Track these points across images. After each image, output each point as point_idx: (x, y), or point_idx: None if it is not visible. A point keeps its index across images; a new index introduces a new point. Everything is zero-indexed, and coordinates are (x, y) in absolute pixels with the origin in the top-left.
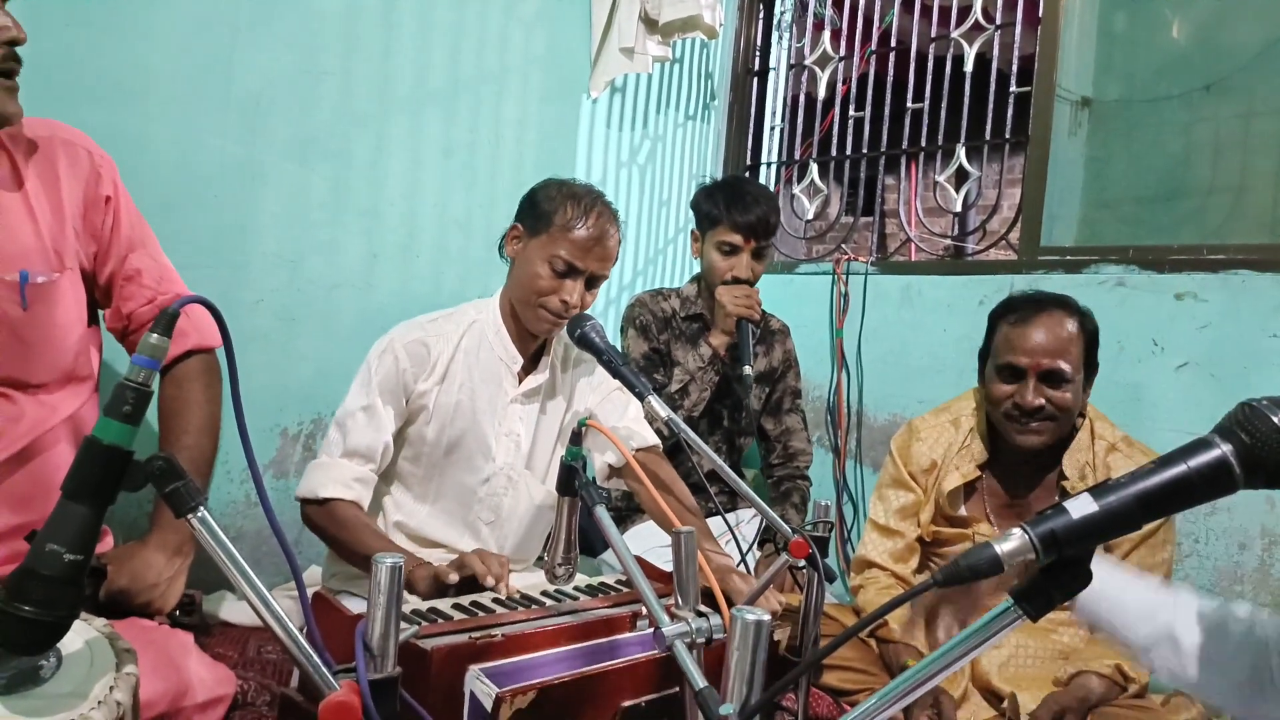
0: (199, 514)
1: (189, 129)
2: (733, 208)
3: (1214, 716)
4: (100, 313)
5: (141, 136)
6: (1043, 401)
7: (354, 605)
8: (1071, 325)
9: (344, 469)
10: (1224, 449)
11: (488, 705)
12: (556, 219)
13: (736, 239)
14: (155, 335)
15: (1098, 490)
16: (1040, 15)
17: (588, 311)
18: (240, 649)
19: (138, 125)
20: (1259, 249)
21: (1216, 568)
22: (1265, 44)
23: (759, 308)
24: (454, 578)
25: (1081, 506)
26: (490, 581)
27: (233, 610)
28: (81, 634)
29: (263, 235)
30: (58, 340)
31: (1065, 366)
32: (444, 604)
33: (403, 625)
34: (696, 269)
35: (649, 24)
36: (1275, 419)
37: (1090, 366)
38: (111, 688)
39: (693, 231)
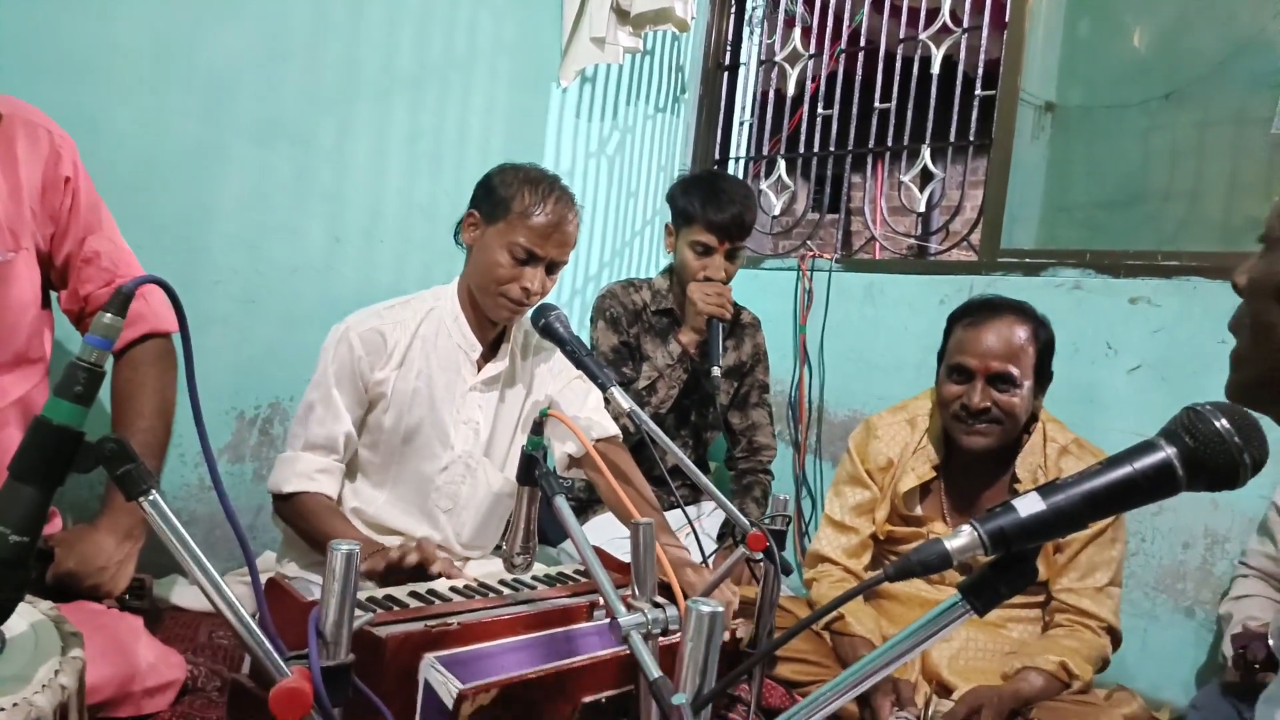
0: (150, 497)
1: (151, 109)
2: (708, 207)
3: (1154, 711)
4: (54, 295)
5: (103, 116)
6: (989, 404)
7: (309, 592)
8: (1024, 331)
9: (306, 462)
10: (1168, 452)
11: (448, 701)
12: (515, 206)
13: (711, 240)
14: (109, 315)
15: (1046, 489)
16: (1007, 19)
17: (550, 300)
18: (191, 634)
19: (99, 104)
20: (1211, 256)
21: (1161, 565)
22: (1223, 55)
23: (730, 306)
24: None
25: (1030, 505)
26: (414, 559)
27: (184, 595)
28: (26, 617)
29: (224, 217)
30: (10, 321)
31: (1014, 371)
32: (400, 592)
33: (358, 612)
34: (665, 261)
35: (620, 15)
36: (1217, 423)
37: (1043, 374)
38: (56, 671)
39: (667, 225)
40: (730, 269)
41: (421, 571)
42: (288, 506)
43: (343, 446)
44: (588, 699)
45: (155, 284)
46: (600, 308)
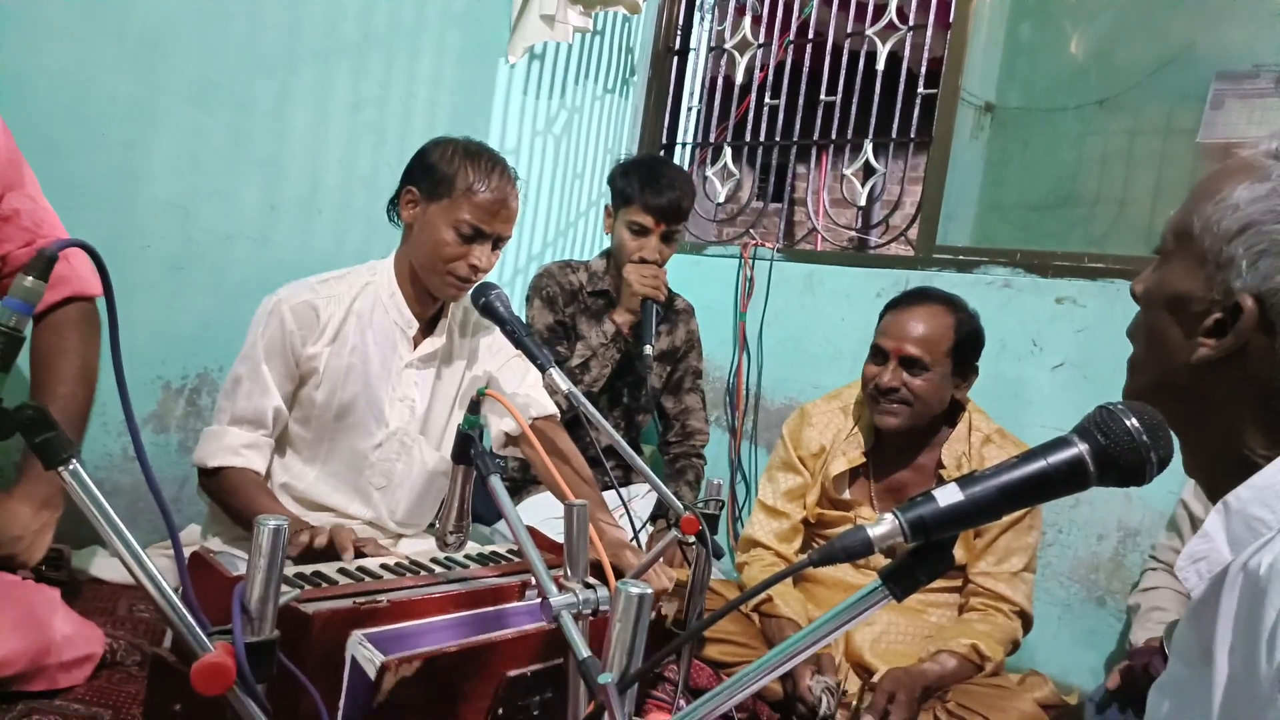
0: (70, 467)
1: (80, 64)
2: (646, 189)
3: (1064, 695)
4: None
5: (28, 69)
6: (898, 385)
7: (234, 567)
8: (945, 320)
9: (232, 436)
10: (1081, 448)
11: (371, 673)
12: (458, 182)
13: (647, 220)
14: (30, 278)
15: (964, 481)
16: (951, 20)
17: (491, 279)
18: (111, 607)
19: (24, 57)
20: (1136, 260)
21: (1076, 557)
22: (1154, 66)
23: (665, 289)
24: (302, 540)
25: (949, 495)
26: (348, 557)
27: (104, 567)
28: None
29: (153, 181)
30: None
31: (923, 355)
32: (330, 569)
33: (285, 588)
34: (608, 243)
35: None
36: (1128, 422)
37: (962, 364)
38: None
39: (606, 207)
40: (666, 251)
41: (335, 554)
42: (213, 481)
43: (271, 421)
44: (512, 673)
45: (80, 247)
46: (537, 286)
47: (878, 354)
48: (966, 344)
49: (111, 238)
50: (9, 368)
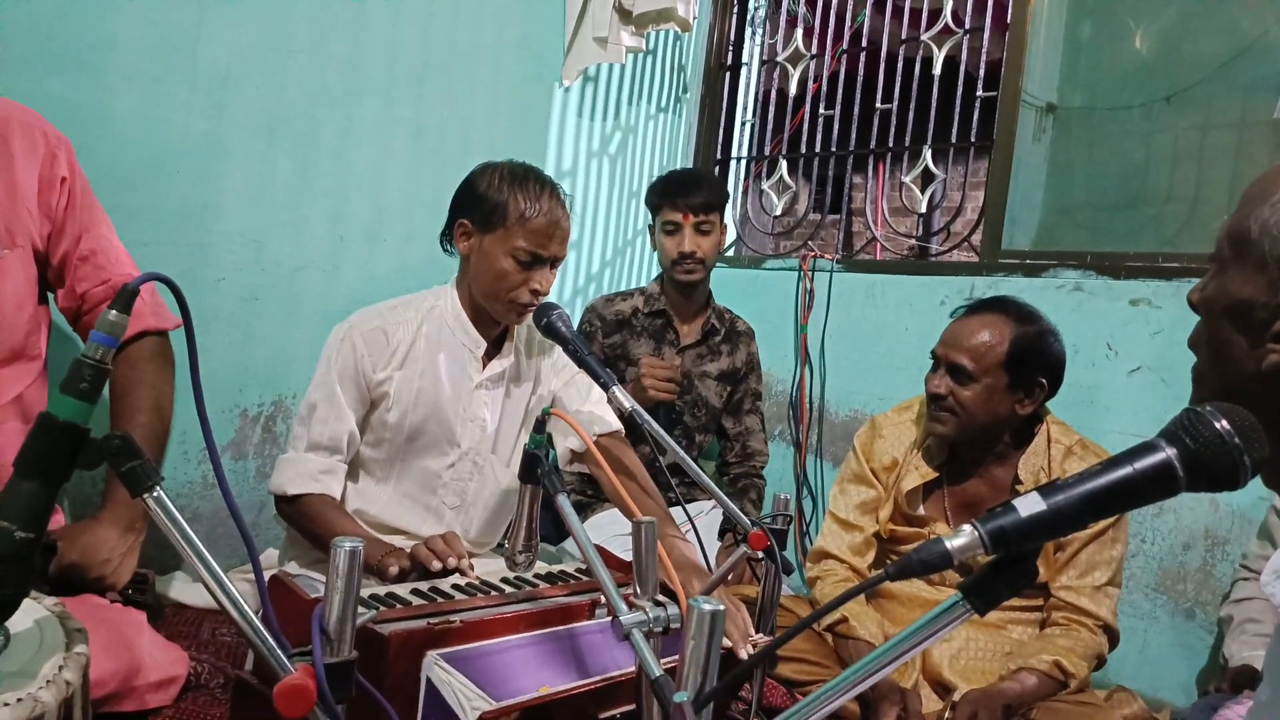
0: (155, 494)
1: (153, 104)
2: (669, 188)
3: (1154, 712)
4: (50, 294)
5: (104, 110)
6: (945, 392)
7: (312, 589)
8: (1002, 331)
9: (309, 463)
10: (1169, 452)
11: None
12: (510, 210)
13: (676, 216)
14: (114, 312)
15: (1046, 489)
16: (1009, 21)
17: (552, 299)
18: (194, 631)
19: (100, 99)
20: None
21: (1162, 567)
22: (1223, 58)
23: (677, 390)
24: (393, 572)
25: (1030, 505)
26: (436, 566)
27: (186, 592)
28: (31, 613)
29: (226, 214)
30: (7, 318)
31: (970, 365)
32: (403, 589)
33: (361, 610)
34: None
35: (623, 14)
36: (1218, 424)
37: (1020, 375)
38: (61, 667)
39: (649, 226)
40: (702, 243)
41: (423, 570)
42: (292, 508)
43: (346, 446)
44: (604, 715)
45: (161, 281)
46: (579, 322)
47: (933, 359)
48: (1025, 357)
49: (187, 270)
50: (96, 399)
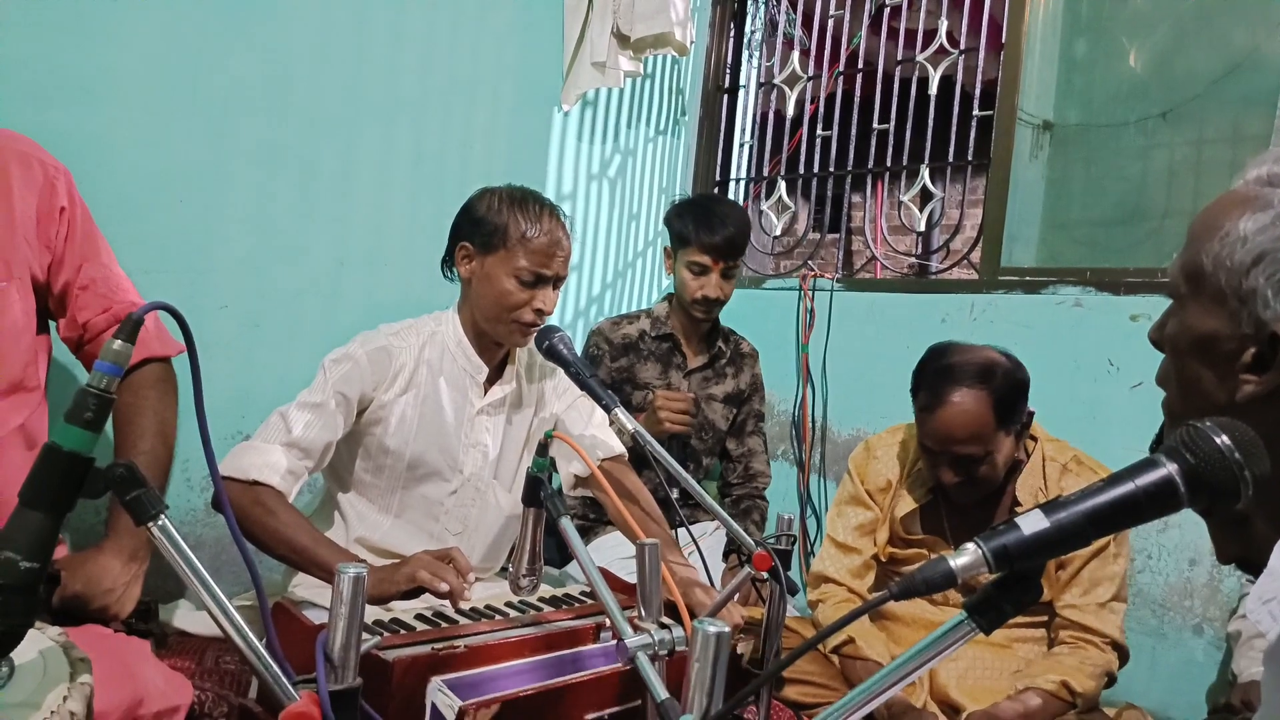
0: (159, 522)
1: (154, 132)
2: (702, 229)
3: None
4: (51, 323)
5: (105, 139)
6: (960, 479)
7: (315, 616)
8: (978, 402)
9: (279, 455)
10: (1170, 468)
11: (450, 717)
12: (511, 231)
13: (705, 260)
14: (119, 341)
15: (1049, 507)
16: (1004, 40)
17: (553, 322)
18: (198, 659)
19: (102, 128)
20: None
21: (1168, 583)
22: (1218, 74)
23: (692, 423)
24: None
25: (1033, 522)
26: (443, 589)
27: (189, 620)
28: (35, 643)
29: (228, 241)
30: (5, 349)
31: (974, 450)
32: (407, 614)
33: (365, 636)
34: (666, 282)
35: (621, 39)
36: (1218, 440)
37: (1011, 419)
38: (65, 698)
39: (665, 248)
40: (726, 288)
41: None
42: (248, 493)
43: (319, 457)
44: (590, 716)
45: (165, 310)
46: (585, 346)
47: (928, 451)
48: (1008, 404)
49: (189, 297)
50: (101, 428)
